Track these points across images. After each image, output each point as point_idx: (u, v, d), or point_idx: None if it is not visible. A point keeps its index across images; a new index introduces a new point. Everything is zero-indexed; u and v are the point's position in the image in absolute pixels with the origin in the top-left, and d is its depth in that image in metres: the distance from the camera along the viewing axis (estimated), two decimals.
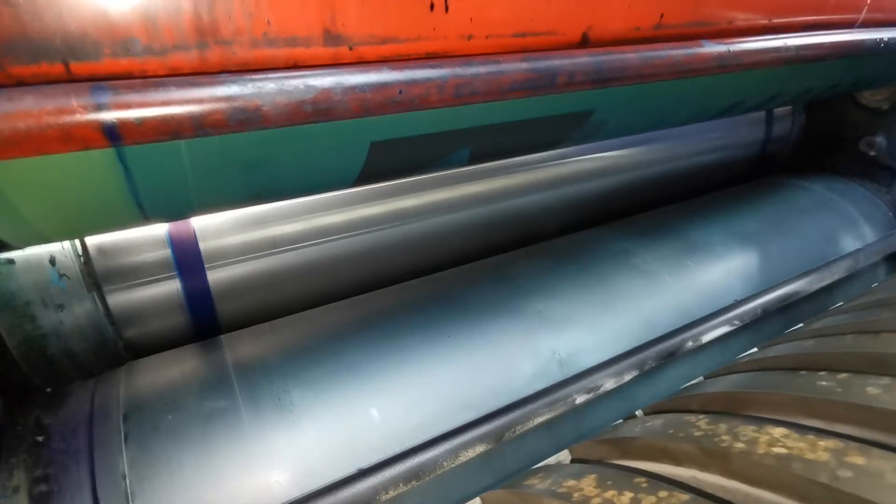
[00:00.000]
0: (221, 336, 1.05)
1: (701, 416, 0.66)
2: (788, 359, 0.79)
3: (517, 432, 0.93)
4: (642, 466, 0.64)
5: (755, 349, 0.97)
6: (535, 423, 0.94)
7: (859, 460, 0.49)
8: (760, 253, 1.40)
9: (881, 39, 1.04)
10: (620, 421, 0.86)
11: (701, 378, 0.92)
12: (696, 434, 0.61)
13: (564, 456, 0.81)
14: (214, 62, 0.52)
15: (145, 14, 0.48)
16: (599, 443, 0.74)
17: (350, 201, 1.23)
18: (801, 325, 1.07)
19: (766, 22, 0.89)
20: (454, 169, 1.22)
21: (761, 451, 0.54)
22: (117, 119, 0.46)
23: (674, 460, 0.61)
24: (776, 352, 0.84)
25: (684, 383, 0.96)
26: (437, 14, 0.61)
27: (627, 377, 1.05)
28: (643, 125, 1.02)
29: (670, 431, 0.65)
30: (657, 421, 0.72)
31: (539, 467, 0.77)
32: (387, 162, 0.73)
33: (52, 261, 0.95)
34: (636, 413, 0.87)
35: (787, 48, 0.90)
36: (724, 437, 0.58)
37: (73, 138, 0.45)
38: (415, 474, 0.84)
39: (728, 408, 0.71)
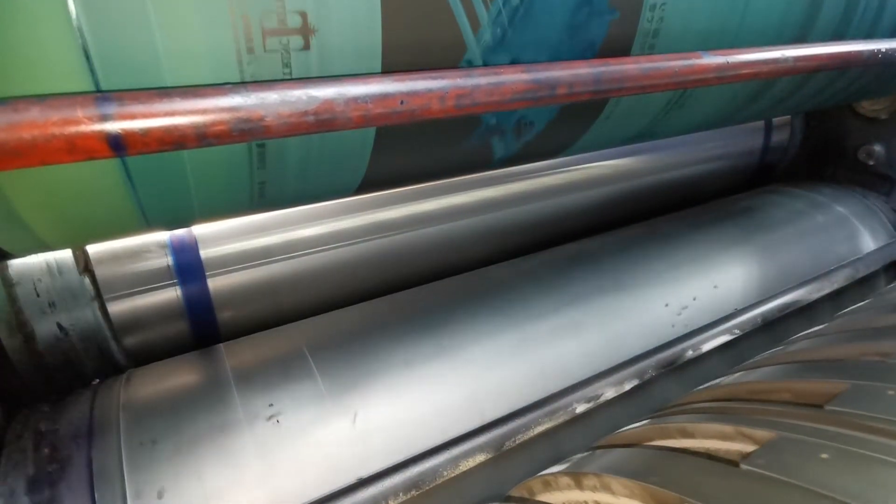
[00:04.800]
0: (221, 344, 1.05)
1: None
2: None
3: (517, 441, 0.93)
4: None
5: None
6: (535, 433, 0.94)
7: None
8: (760, 262, 1.40)
9: (878, 50, 1.05)
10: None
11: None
12: None
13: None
14: None
15: None
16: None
17: (351, 209, 1.24)
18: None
19: None
20: None
21: None
22: (122, 130, 0.46)
23: None
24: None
25: (685, 392, 0.96)
26: None
27: (627, 386, 1.05)
28: None
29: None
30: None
31: None
32: None
33: (53, 269, 0.95)
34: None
35: (784, 59, 0.90)
36: None
37: (77, 149, 0.45)
38: (415, 484, 0.84)
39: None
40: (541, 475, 0.74)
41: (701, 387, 0.92)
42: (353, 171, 0.76)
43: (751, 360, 0.98)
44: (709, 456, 0.62)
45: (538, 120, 0.85)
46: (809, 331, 1.04)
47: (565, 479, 0.70)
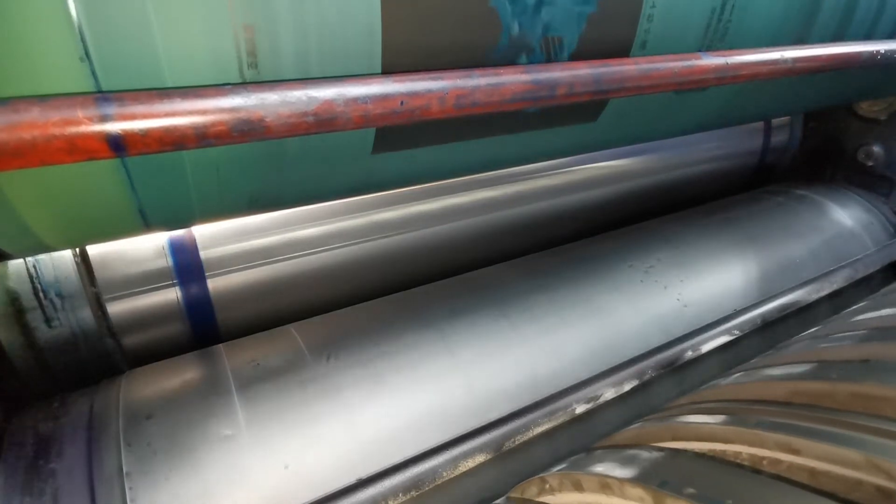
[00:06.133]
0: (221, 345, 1.05)
1: None
2: None
3: (517, 442, 0.93)
4: None
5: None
6: (535, 433, 0.94)
7: None
8: (759, 262, 1.40)
9: (877, 51, 1.05)
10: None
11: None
12: None
13: None
14: None
15: None
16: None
17: (351, 210, 1.24)
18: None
19: None
20: None
21: None
22: (122, 130, 0.46)
23: None
24: None
25: (684, 393, 0.96)
26: None
27: (627, 386, 1.05)
28: None
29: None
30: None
31: None
32: None
33: (53, 270, 0.95)
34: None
35: (783, 60, 0.90)
36: None
37: (77, 149, 0.45)
38: (414, 484, 0.84)
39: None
40: (540, 476, 0.74)
41: (755, 372, 0.79)
42: (357, 162, 0.76)
43: (793, 352, 0.84)
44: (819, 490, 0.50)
45: (567, 33, 0.75)
46: (854, 318, 0.91)
47: (565, 480, 0.70)
